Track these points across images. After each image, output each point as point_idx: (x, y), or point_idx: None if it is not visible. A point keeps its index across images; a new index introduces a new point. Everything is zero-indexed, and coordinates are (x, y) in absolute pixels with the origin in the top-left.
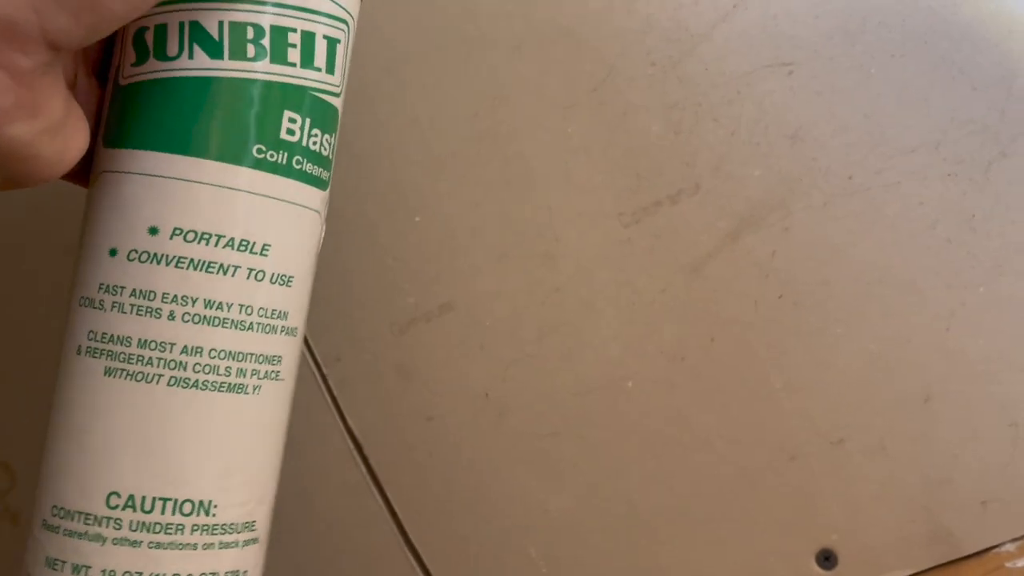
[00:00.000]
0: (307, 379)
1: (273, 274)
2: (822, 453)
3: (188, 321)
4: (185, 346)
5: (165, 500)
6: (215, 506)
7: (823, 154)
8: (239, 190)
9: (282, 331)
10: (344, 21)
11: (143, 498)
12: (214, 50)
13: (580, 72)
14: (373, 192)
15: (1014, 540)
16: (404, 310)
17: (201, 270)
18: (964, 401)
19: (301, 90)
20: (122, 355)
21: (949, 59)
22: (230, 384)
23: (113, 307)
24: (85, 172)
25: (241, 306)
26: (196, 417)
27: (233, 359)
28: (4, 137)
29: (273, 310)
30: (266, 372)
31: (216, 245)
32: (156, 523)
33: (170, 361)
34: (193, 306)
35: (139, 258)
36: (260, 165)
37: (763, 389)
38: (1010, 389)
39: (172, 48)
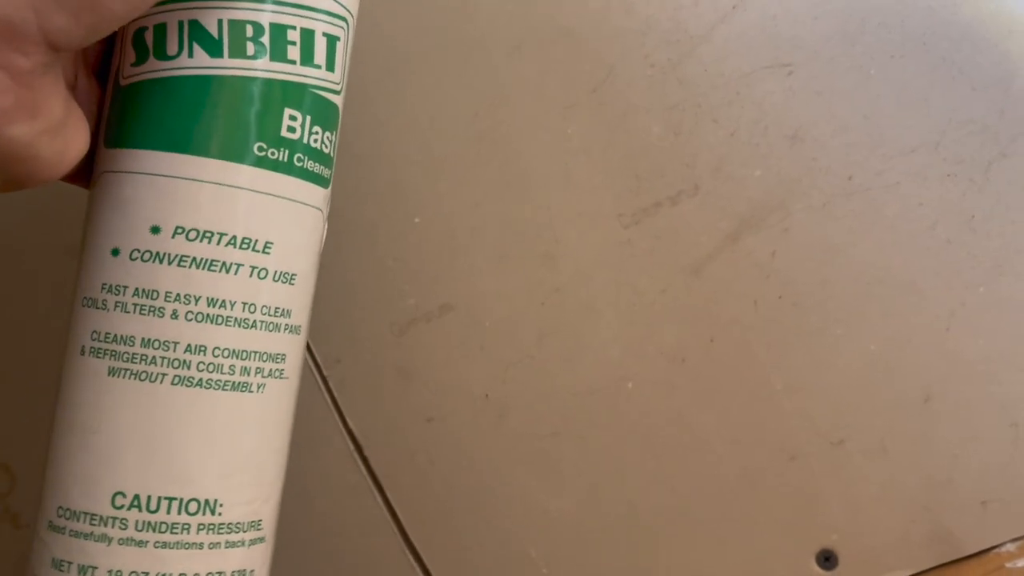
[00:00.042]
0: (307, 380)
1: (276, 272)
2: (822, 453)
3: (191, 320)
4: (189, 345)
5: (171, 499)
6: (221, 505)
7: (823, 155)
8: (240, 188)
9: (285, 329)
10: (343, 18)
11: (148, 498)
12: (214, 48)
13: (580, 73)
14: (373, 193)
15: (1014, 540)
16: (404, 311)
17: (204, 268)
18: (964, 401)
19: (301, 87)
20: (126, 355)
21: (948, 59)
22: (234, 383)
23: (116, 307)
24: (86, 173)
25: (244, 304)
26: (200, 416)
27: (237, 357)
28: (4, 138)
29: (276, 308)
30: (270, 370)
31: (218, 243)
32: (162, 523)
33: (174, 360)
34: (196, 305)
35: (141, 257)
36: (261, 163)
37: (763, 390)
38: (1010, 389)
39: (172, 47)
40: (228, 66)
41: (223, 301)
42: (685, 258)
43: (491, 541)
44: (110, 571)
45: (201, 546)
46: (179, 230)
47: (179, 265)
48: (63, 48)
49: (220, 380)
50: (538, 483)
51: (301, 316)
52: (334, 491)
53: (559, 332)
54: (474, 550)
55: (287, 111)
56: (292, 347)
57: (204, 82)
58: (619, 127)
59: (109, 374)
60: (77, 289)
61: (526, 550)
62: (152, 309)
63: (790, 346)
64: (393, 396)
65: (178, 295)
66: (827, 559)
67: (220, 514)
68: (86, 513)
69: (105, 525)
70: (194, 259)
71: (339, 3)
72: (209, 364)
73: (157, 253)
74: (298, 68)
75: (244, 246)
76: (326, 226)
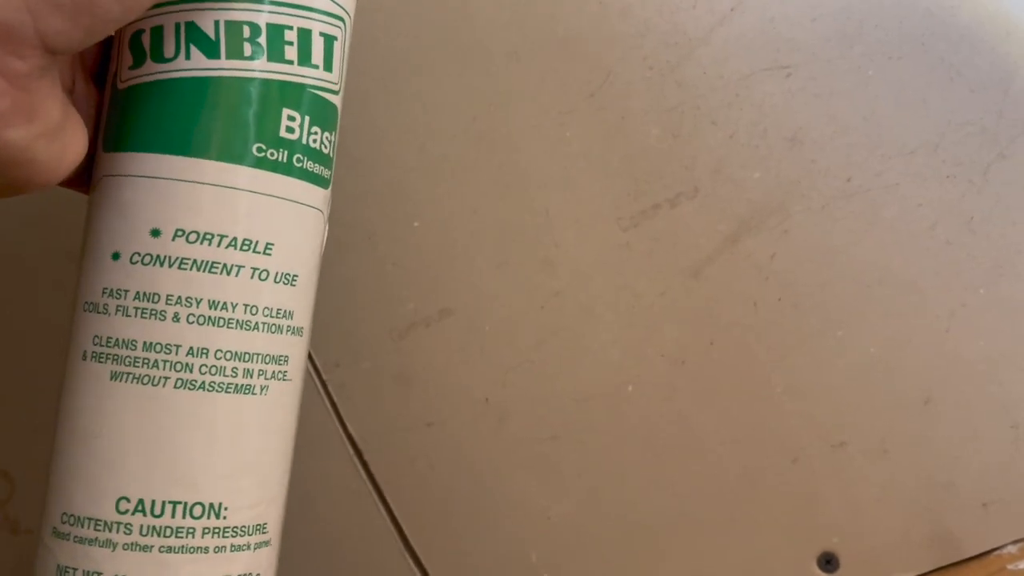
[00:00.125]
0: (307, 385)
1: (277, 273)
2: (823, 456)
3: (193, 322)
4: (191, 348)
5: (175, 503)
6: (225, 508)
7: (822, 156)
8: (240, 189)
9: (288, 330)
10: (340, 18)
11: (153, 502)
12: (211, 50)
13: (578, 77)
14: (372, 198)
15: (1016, 542)
16: (403, 316)
17: (204, 271)
18: (965, 402)
19: (299, 88)
20: (128, 359)
21: (947, 61)
22: (237, 385)
23: (117, 311)
24: (85, 178)
25: (246, 306)
26: (204, 419)
27: (239, 360)
28: (1, 141)
29: (278, 309)
30: (273, 372)
31: (219, 245)
32: (166, 527)
33: (176, 363)
34: (197, 307)
35: (142, 261)
36: (261, 164)
37: (763, 392)
38: (1011, 390)
39: (169, 49)
40: (225, 67)
41: (225, 303)
42: (684, 260)
43: (491, 545)
44: None
45: (206, 550)
46: (179, 232)
47: (180, 268)
48: (60, 51)
49: (223, 383)
50: (539, 487)
51: (303, 317)
52: (334, 496)
53: (559, 336)
54: (474, 554)
55: (285, 111)
56: (295, 348)
57: (202, 84)
58: (618, 130)
59: (111, 378)
60: (78, 294)
61: (527, 554)
62: (153, 312)
63: (790, 348)
64: (393, 401)
65: (179, 298)
66: (828, 562)
67: (225, 518)
68: (90, 519)
69: (109, 530)
70: (195, 261)
71: (336, 3)
72: (211, 367)
73: (158, 256)
74: (296, 68)
75: (245, 248)
76: (327, 227)
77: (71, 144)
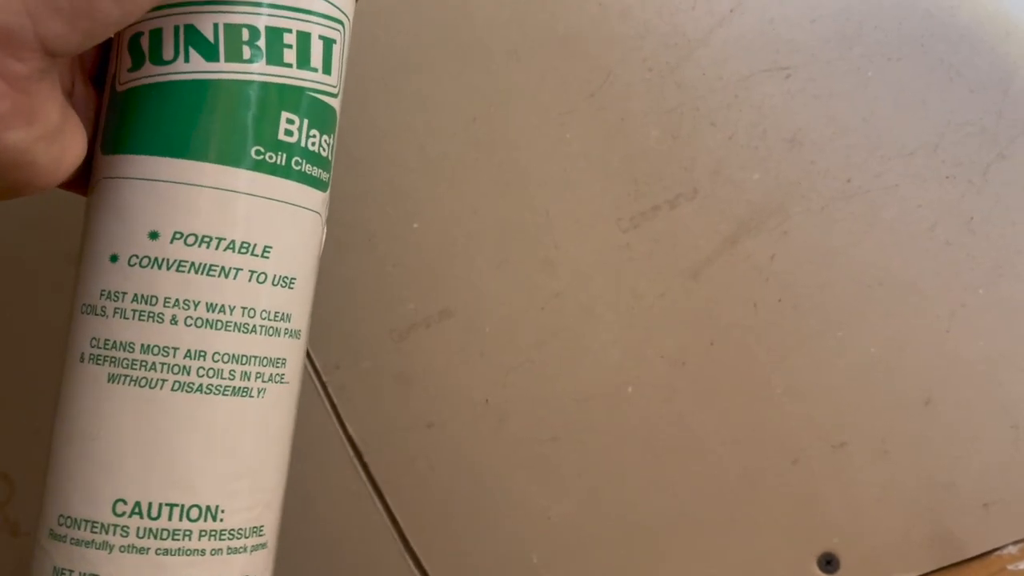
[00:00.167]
0: (307, 386)
1: (275, 276)
2: (824, 456)
3: (190, 325)
4: (188, 350)
5: (172, 506)
6: (222, 511)
7: (821, 157)
8: (239, 192)
9: (285, 333)
10: (339, 21)
11: (150, 504)
12: (210, 53)
13: (578, 78)
14: (371, 199)
15: (1016, 542)
16: (403, 317)
17: (202, 273)
18: (965, 403)
19: (298, 91)
20: (125, 361)
21: (946, 62)
22: (234, 388)
23: (115, 313)
24: (83, 180)
25: (244, 309)
26: (201, 421)
27: (237, 362)
28: (0, 144)
29: (276, 312)
30: (270, 375)
31: (217, 248)
32: (163, 529)
33: (173, 366)
34: (195, 310)
35: (140, 263)
36: (259, 167)
37: (764, 393)
38: (1011, 390)
39: (168, 52)
40: (224, 70)
41: (222, 306)
42: (684, 262)
43: (492, 546)
44: None
45: (203, 553)
46: (178, 235)
47: (178, 270)
48: (59, 54)
49: (220, 385)
50: (539, 488)
51: (301, 320)
52: (334, 497)
53: (559, 336)
54: (475, 555)
55: (284, 115)
56: (292, 351)
57: (201, 87)
58: (617, 131)
59: (109, 381)
60: (76, 296)
61: (527, 555)
62: (151, 315)
63: (790, 349)
64: (393, 402)
65: (177, 300)
66: (828, 562)
67: (222, 520)
68: (87, 521)
69: (106, 533)
70: (193, 264)
71: (335, 6)
72: (209, 369)
73: (156, 259)
74: (295, 71)
75: (243, 250)
76: (325, 230)
77: (70, 146)
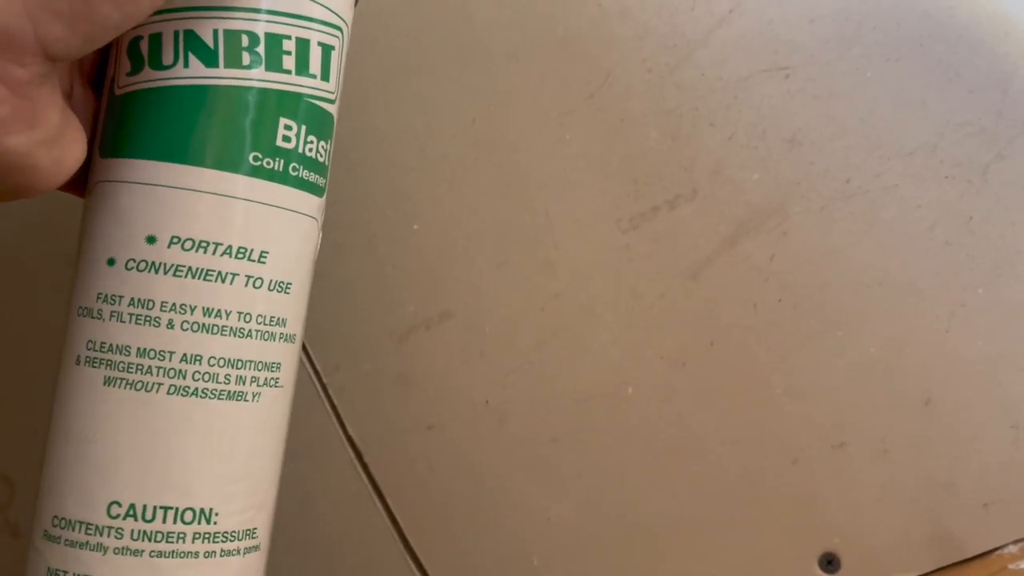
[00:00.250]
0: (307, 388)
1: (271, 281)
2: (824, 456)
3: (187, 329)
4: (184, 354)
5: (166, 509)
6: (216, 514)
7: (821, 158)
8: (236, 198)
9: (281, 338)
10: (338, 28)
11: (144, 507)
12: (209, 58)
13: (577, 79)
14: (371, 200)
15: (1016, 542)
16: (403, 318)
17: (199, 278)
18: (965, 403)
19: (297, 97)
20: (121, 364)
21: (945, 62)
22: (229, 392)
23: (112, 316)
24: (82, 182)
25: (240, 313)
26: (196, 425)
27: (232, 367)
28: (2, 148)
29: (272, 317)
30: (265, 379)
31: (214, 253)
32: (157, 532)
33: (169, 370)
34: (192, 314)
35: (137, 267)
36: (257, 172)
37: (763, 393)
38: (1011, 390)
39: (167, 57)
40: (223, 76)
41: (219, 311)
42: (684, 262)
43: (492, 547)
44: None
45: (197, 555)
46: (175, 240)
47: (175, 275)
48: (60, 58)
49: (215, 389)
50: (539, 488)
51: (296, 325)
52: (334, 498)
53: (559, 337)
54: (475, 556)
55: (282, 121)
56: (287, 356)
57: (199, 92)
58: (617, 132)
59: (105, 384)
60: (72, 298)
61: (527, 556)
62: (148, 319)
63: (790, 349)
64: (393, 403)
65: (174, 305)
66: (829, 562)
67: (216, 523)
68: (81, 522)
69: (101, 534)
70: (190, 269)
71: (334, 12)
72: (205, 373)
73: (153, 263)
74: (293, 78)
75: (240, 256)
76: (320, 235)
77: (70, 150)
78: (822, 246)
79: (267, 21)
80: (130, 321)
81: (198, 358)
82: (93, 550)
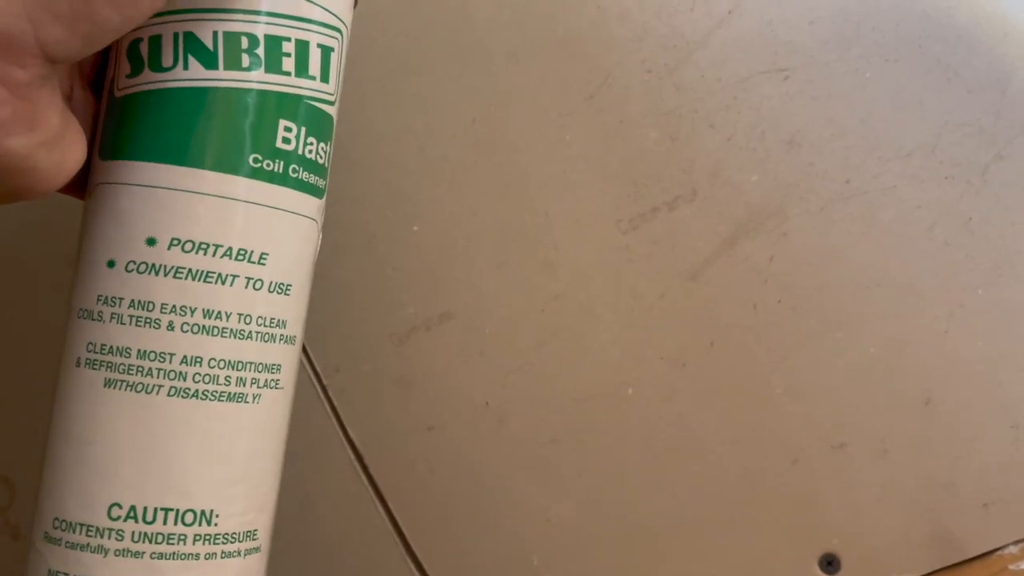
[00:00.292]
0: (307, 390)
1: (271, 283)
2: (824, 457)
3: (187, 331)
4: (184, 356)
5: (167, 510)
6: (217, 516)
7: (820, 159)
8: (236, 200)
9: (281, 339)
10: (337, 29)
11: (144, 509)
12: (209, 60)
13: (576, 80)
14: (371, 202)
15: (1017, 542)
16: (403, 319)
17: (199, 280)
18: (965, 403)
19: (296, 99)
20: (121, 366)
21: (944, 62)
22: (230, 393)
23: (112, 319)
24: (82, 184)
25: (240, 315)
26: (196, 427)
27: (232, 368)
28: (2, 150)
29: (272, 319)
30: (265, 381)
31: (214, 255)
32: (158, 533)
33: (170, 371)
34: (192, 316)
35: (137, 269)
36: (257, 174)
37: (763, 393)
38: (1010, 390)
39: (167, 59)
40: (223, 78)
41: (219, 312)
42: (683, 263)
43: (493, 548)
44: None
45: (197, 557)
46: (175, 242)
47: (175, 277)
48: (60, 60)
49: (216, 391)
50: (539, 489)
51: (296, 326)
52: (334, 500)
53: (559, 338)
54: (476, 557)
55: (282, 122)
56: (287, 357)
57: (199, 94)
58: (616, 133)
59: (105, 386)
60: (72, 300)
61: (528, 557)
62: (148, 321)
63: (790, 349)
64: (393, 404)
65: (174, 306)
66: (830, 563)
67: (216, 525)
68: (82, 524)
69: (101, 536)
70: (190, 271)
71: (333, 14)
72: (205, 375)
73: (153, 265)
74: (293, 79)
75: (240, 257)
76: (320, 236)
77: (70, 152)
78: (821, 247)
79: (266, 23)
80: (130, 323)
81: (198, 360)
82: (94, 552)
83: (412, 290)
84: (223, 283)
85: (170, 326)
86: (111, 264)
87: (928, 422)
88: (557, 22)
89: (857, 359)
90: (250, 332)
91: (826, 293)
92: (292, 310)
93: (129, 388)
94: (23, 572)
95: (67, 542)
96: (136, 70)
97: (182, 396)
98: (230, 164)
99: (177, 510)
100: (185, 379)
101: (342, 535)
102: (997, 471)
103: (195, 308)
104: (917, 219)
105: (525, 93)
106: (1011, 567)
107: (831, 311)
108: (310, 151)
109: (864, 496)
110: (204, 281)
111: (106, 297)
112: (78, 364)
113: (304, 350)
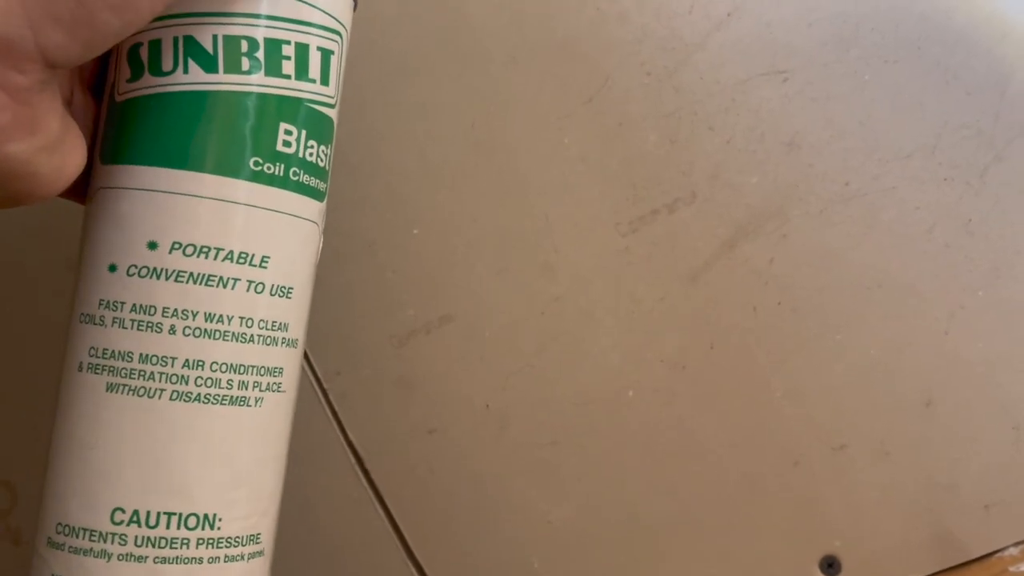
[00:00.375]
0: (307, 393)
1: (273, 286)
2: (824, 459)
3: (189, 335)
4: (186, 360)
5: (170, 515)
6: (220, 519)
7: (819, 160)
8: (237, 203)
9: (283, 343)
10: (337, 32)
11: (148, 513)
12: (209, 64)
13: (576, 83)
14: (371, 205)
15: (1018, 544)
16: (403, 323)
17: (201, 284)
18: (965, 404)
19: (296, 102)
20: (124, 371)
21: (943, 64)
22: (232, 397)
23: (114, 323)
24: (83, 189)
25: (241, 319)
26: (199, 431)
27: (234, 372)
28: (2, 155)
29: (273, 322)
30: (268, 384)
31: (215, 258)
32: (161, 538)
33: (172, 375)
34: (193, 320)
35: (138, 273)
36: (257, 178)
37: (764, 395)
38: (1010, 391)
39: (167, 63)
40: (223, 81)
41: (221, 316)
42: (683, 265)
43: (493, 551)
44: None
45: (200, 561)
46: (176, 245)
47: (176, 280)
48: (60, 65)
49: (218, 395)
50: (540, 492)
51: (298, 329)
52: (335, 504)
53: (559, 341)
54: (476, 560)
55: (282, 126)
56: (289, 360)
57: (199, 97)
58: (616, 136)
59: (107, 390)
60: (74, 305)
61: (528, 559)
62: (150, 325)
63: (790, 352)
64: (394, 408)
65: (176, 311)
66: (830, 565)
67: (219, 528)
68: (85, 529)
69: (104, 541)
70: (191, 274)
71: (333, 17)
72: (207, 379)
73: (154, 269)
74: (293, 83)
75: (241, 261)
76: (321, 239)
77: (71, 156)
78: (821, 249)
79: (266, 26)
80: (132, 327)
81: (200, 364)
82: (97, 556)
83: (412, 293)
84: (225, 286)
85: (172, 330)
86: (112, 268)
87: (929, 423)
88: (556, 25)
89: (857, 361)
90: (252, 335)
91: (826, 295)
92: (294, 313)
93: (131, 392)
94: None
95: (70, 547)
96: (136, 74)
97: (184, 400)
98: (231, 167)
99: (180, 514)
100: (187, 383)
101: (343, 538)
102: (998, 472)
103: (197, 312)
104: (917, 221)
105: (524, 96)
106: (1012, 569)
107: (831, 313)
108: (311, 154)
109: (865, 498)
110: (206, 284)
111: (108, 301)
112: (80, 368)
113: (304, 354)
